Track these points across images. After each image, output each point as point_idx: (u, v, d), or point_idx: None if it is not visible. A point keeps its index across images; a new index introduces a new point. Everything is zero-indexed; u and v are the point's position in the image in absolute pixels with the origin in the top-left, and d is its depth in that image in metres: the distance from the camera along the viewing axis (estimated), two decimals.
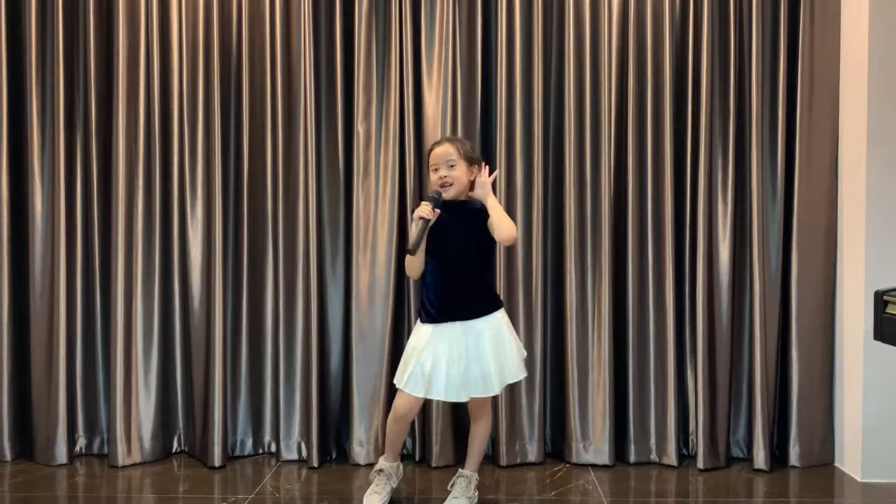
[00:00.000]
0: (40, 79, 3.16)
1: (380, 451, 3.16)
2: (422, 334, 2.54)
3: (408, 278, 3.17)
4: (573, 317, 3.15)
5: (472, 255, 2.56)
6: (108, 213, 3.21)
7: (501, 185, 3.13)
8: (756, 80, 3.09)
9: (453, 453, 3.13)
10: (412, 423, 3.23)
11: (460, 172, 2.54)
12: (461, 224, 2.53)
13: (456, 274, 2.55)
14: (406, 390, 2.51)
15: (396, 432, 2.64)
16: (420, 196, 3.18)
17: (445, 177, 2.53)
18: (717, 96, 3.14)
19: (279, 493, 2.86)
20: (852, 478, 3.02)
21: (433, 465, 3.11)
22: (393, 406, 2.59)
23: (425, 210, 2.45)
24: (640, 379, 3.17)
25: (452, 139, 2.63)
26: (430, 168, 2.58)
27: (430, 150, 2.61)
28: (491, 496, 2.84)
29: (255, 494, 2.84)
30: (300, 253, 3.16)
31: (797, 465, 3.12)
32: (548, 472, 3.09)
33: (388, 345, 3.16)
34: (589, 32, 3.16)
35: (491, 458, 3.22)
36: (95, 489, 2.91)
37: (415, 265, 2.55)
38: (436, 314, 2.53)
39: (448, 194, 2.53)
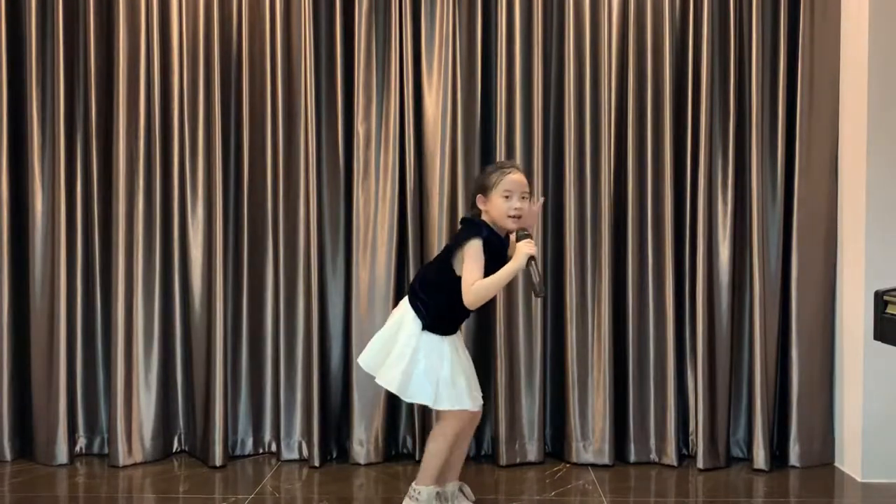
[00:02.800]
0: (40, 79, 3.15)
1: (380, 450, 3.17)
2: (445, 348, 2.45)
3: (408, 278, 3.16)
4: (573, 317, 3.15)
5: None
6: (108, 213, 3.21)
7: None
8: (756, 80, 3.08)
9: None
10: (412, 421, 3.24)
11: (528, 207, 2.46)
12: (502, 258, 2.46)
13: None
14: (474, 407, 2.47)
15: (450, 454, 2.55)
16: (420, 196, 3.19)
17: (520, 209, 2.42)
18: (717, 96, 3.14)
19: (280, 493, 2.86)
20: (852, 478, 3.02)
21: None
22: (452, 431, 2.46)
23: (533, 248, 2.36)
24: (640, 379, 3.17)
25: (521, 168, 2.54)
26: (500, 193, 2.41)
27: (500, 176, 2.43)
28: (491, 496, 2.84)
29: (256, 494, 2.84)
30: (300, 253, 3.16)
31: (797, 465, 3.12)
32: (548, 471, 3.10)
33: None
34: (589, 33, 3.16)
35: (491, 457, 3.22)
36: (96, 489, 2.91)
37: (487, 299, 2.41)
38: (451, 327, 2.50)
39: (512, 227, 2.44)
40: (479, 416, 2.61)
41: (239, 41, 3.22)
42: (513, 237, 2.48)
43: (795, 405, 3.12)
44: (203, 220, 3.21)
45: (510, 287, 3.14)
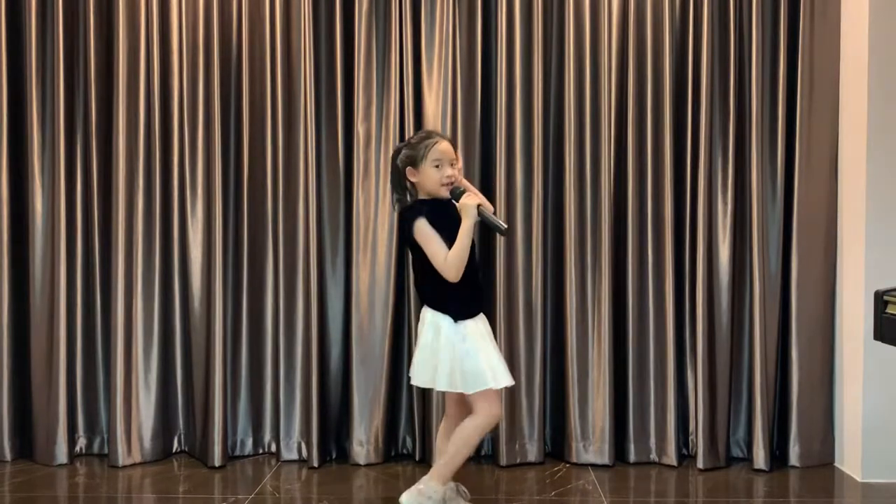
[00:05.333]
0: (40, 79, 3.15)
1: (380, 450, 3.17)
2: (472, 330, 2.43)
3: (408, 278, 3.16)
4: (573, 317, 3.15)
5: (473, 248, 2.47)
6: (108, 213, 3.21)
7: (501, 185, 3.13)
8: (756, 80, 3.08)
9: None
10: (412, 421, 3.23)
11: (459, 174, 2.50)
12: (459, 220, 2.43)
13: (473, 266, 2.47)
14: (502, 384, 2.41)
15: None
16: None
17: (452, 177, 2.45)
18: (717, 96, 3.14)
19: (279, 493, 2.86)
20: (852, 478, 3.02)
21: (433, 464, 3.10)
22: (493, 415, 2.42)
23: (474, 198, 2.40)
24: (640, 379, 3.17)
25: (449, 138, 2.59)
26: (430, 164, 2.44)
27: (427, 145, 2.45)
28: (491, 496, 2.84)
29: (256, 494, 2.84)
30: (300, 253, 3.16)
31: (797, 465, 3.12)
32: (548, 472, 3.09)
33: (388, 345, 3.16)
34: (589, 32, 3.16)
35: (491, 457, 3.22)
36: (95, 489, 2.91)
37: (464, 264, 2.39)
38: (473, 307, 2.47)
39: (446, 194, 2.45)
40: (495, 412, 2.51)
41: (239, 41, 3.22)
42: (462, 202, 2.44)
43: (795, 405, 3.11)
44: (203, 220, 3.21)
45: (510, 287, 3.14)
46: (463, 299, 2.46)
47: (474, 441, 2.45)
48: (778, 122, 3.13)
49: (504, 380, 2.43)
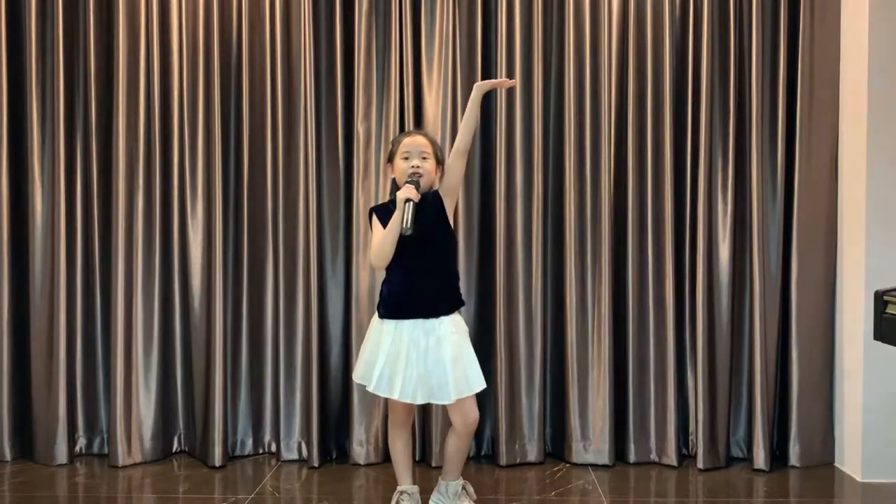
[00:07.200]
0: (40, 79, 3.16)
1: (380, 450, 3.17)
2: (383, 330, 2.45)
3: None
4: (573, 317, 3.15)
5: (434, 249, 2.46)
6: (108, 213, 3.21)
7: (501, 185, 3.13)
8: (756, 80, 3.08)
9: None
10: (412, 424, 3.23)
11: (431, 167, 2.49)
12: (424, 217, 2.42)
13: (419, 269, 2.45)
14: (371, 390, 2.42)
15: (399, 444, 2.58)
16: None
17: (418, 167, 2.45)
18: (717, 96, 3.14)
19: (279, 493, 2.86)
20: (852, 478, 3.02)
21: (433, 465, 3.11)
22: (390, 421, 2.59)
23: (412, 192, 2.37)
24: (640, 379, 3.17)
25: (427, 133, 2.62)
26: (400, 156, 2.48)
27: (400, 139, 2.52)
28: (491, 496, 2.84)
29: (256, 494, 2.84)
30: (300, 253, 3.16)
31: (797, 465, 3.12)
32: (548, 472, 3.09)
33: None
34: (589, 32, 3.16)
35: (491, 457, 3.23)
36: (95, 489, 2.91)
37: (386, 253, 2.40)
38: (398, 310, 2.45)
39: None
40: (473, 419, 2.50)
41: (239, 41, 3.22)
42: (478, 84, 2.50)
43: (795, 405, 3.12)
44: (203, 220, 3.21)
45: (510, 286, 3.14)
46: (391, 299, 2.47)
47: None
48: (778, 122, 3.13)
49: (371, 386, 2.43)
